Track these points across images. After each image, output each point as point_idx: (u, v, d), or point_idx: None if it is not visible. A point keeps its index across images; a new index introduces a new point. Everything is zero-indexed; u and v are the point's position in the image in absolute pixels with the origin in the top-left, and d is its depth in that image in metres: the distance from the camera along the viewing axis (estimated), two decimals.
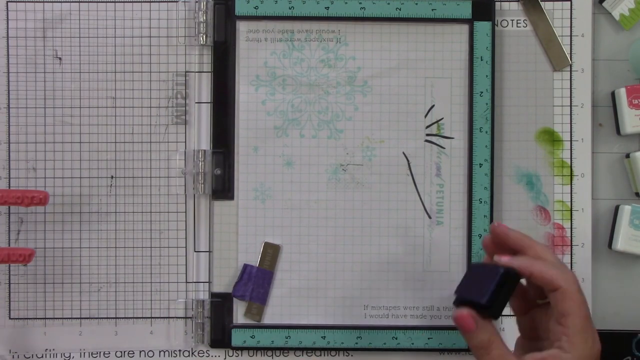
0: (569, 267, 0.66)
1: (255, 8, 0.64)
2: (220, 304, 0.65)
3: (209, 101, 0.65)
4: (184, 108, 0.66)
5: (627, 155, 0.66)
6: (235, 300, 0.65)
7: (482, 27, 0.64)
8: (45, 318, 0.66)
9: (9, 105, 0.66)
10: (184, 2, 0.65)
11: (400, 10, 0.64)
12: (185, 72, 0.66)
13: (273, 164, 0.65)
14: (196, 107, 0.66)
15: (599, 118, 0.67)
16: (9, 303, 0.66)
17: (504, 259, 0.55)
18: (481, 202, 0.64)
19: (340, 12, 0.64)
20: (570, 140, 0.66)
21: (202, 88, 0.66)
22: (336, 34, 0.65)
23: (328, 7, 0.64)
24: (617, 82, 0.67)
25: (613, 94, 0.66)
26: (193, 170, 0.65)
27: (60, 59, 0.65)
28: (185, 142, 0.66)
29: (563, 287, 0.53)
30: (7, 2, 0.66)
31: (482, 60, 0.64)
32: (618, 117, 0.66)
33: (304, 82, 0.65)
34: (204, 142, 0.66)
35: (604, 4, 0.66)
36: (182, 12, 0.65)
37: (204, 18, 0.64)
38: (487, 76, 0.64)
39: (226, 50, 0.65)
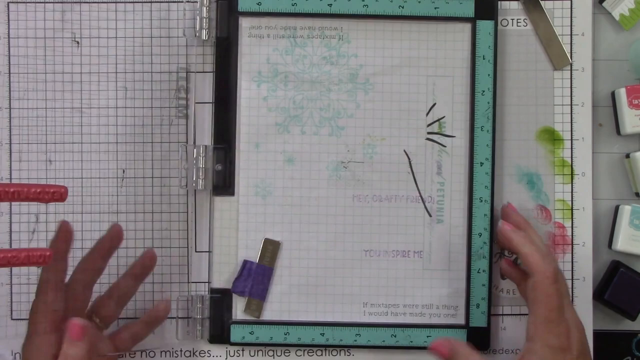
0: (570, 266, 0.66)
1: (258, 4, 0.64)
2: (220, 300, 0.65)
3: (211, 97, 0.65)
4: (185, 104, 0.66)
5: (627, 155, 0.66)
6: (234, 296, 0.65)
7: (485, 25, 0.64)
8: None
9: (10, 106, 0.66)
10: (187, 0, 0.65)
11: (402, 8, 0.64)
12: (187, 68, 0.66)
13: (274, 160, 0.65)
14: (198, 103, 0.66)
15: (599, 118, 0.67)
16: (11, 304, 0.66)
17: (506, 227, 0.60)
18: (482, 201, 0.64)
19: (342, 10, 0.64)
20: (571, 139, 0.66)
21: (204, 84, 0.66)
22: (339, 31, 0.65)
23: (331, 4, 0.64)
24: (617, 82, 0.67)
25: (613, 94, 0.66)
26: (194, 165, 0.65)
27: (78, 42, 0.65)
28: (187, 137, 0.66)
29: (536, 276, 0.56)
30: (8, 2, 0.66)
31: (484, 59, 0.64)
32: (618, 117, 0.66)
33: (306, 79, 0.65)
34: (206, 137, 0.66)
35: (604, 4, 0.67)
36: (186, 7, 0.65)
37: (207, 14, 0.64)
38: (489, 75, 0.64)
39: (228, 46, 0.65)
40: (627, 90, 0.65)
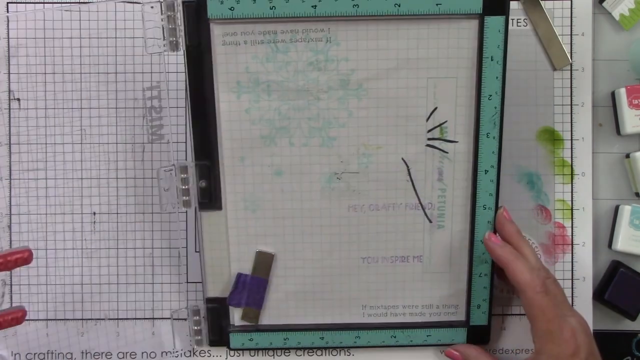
0: (570, 266, 0.65)
1: (230, 9, 0.55)
2: (216, 309, 0.64)
3: (188, 112, 0.59)
4: (159, 123, 0.60)
5: (627, 155, 0.64)
6: None
7: (494, 22, 0.56)
8: (47, 319, 0.66)
9: (10, 107, 0.61)
10: (148, 3, 0.55)
11: (399, 6, 0.55)
12: (158, 84, 0.59)
13: (261, 173, 0.60)
14: (174, 120, 0.60)
15: (599, 118, 0.64)
16: (11, 305, 0.65)
17: (492, 241, 0.59)
18: (485, 209, 0.61)
19: (329, 11, 0.55)
20: (571, 139, 0.63)
21: (179, 98, 0.59)
22: (326, 33, 0.57)
23: (315, 6, 0.55)
24: (617, 82, 0.64)
25: (613, 94, 0.63)
26: (175, 185, 0.60)
27: (18, 100, 0.59)
28: (161, 160, 0.61)
29: (527, 292, 0.56)
30: (7, 3, 0.60)
31: (492, 60, 0.57)
32: (618, 117, 0.63)
33: (292, 88, 0.58)
34: (188, 154, 0.60)
35: (604, 4, 0.62)
36: (148, 17, 0.56)
37: (173, 22, 0.55)
38: (497, 78, 0.57)
39: (200, 55, 0.56)
40: (627, 90, 0.62)
